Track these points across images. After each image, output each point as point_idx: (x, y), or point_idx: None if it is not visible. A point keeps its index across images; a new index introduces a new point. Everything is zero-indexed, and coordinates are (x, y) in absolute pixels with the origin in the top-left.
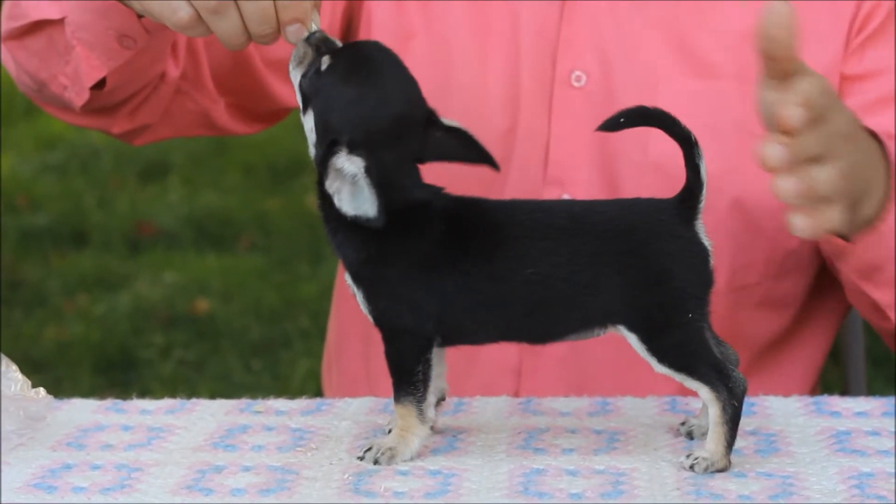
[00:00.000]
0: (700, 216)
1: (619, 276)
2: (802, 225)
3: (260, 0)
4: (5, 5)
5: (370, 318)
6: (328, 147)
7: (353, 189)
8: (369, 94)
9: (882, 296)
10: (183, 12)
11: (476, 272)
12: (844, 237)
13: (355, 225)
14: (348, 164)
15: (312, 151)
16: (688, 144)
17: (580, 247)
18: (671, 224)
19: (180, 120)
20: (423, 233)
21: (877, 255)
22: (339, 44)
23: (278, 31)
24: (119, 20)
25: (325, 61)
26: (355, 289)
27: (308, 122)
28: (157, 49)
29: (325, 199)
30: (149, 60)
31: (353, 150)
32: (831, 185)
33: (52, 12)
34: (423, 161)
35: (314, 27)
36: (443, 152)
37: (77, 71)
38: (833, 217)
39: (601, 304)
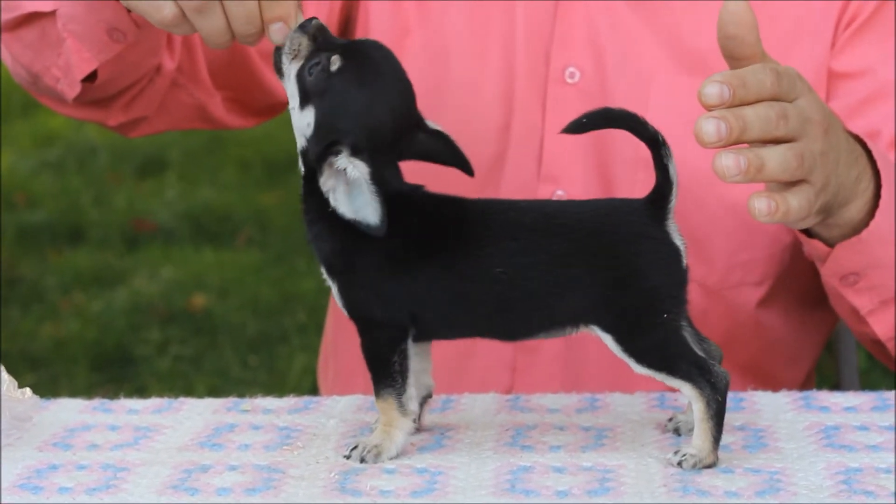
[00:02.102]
0: (671, 216)
1: (588, 276)
2: (759, 207)
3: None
4: None
5: (344, 311)
6: (328, 146)
7: (348, 189)
8: (379, 102)
9: (862, 302)
10: (167, 10)
11: (445, 268)
12: (828, 242)
13: (333, 216)
14: (351, 167)
15: (303, 144)
16: (655, 145)
17: (549, 247)
18: (641, 225)
19: (176, 113)
20: (396, 227)
21: (859, 261)
22: (333, 35)
23: (262, 30)
24: (109, 14)
25: (336, 61)
26: (330, 281)
27: (305, 117)
28: (149, 43)
29: (308, 190)
30: (141, 54)
31: (355, 154)
32: (782, 166)
33: (43, 4)
34: (403, 158)
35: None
36: (422, 152)
37: (69, 63)
38: (792, 203)
39: (570, 305)
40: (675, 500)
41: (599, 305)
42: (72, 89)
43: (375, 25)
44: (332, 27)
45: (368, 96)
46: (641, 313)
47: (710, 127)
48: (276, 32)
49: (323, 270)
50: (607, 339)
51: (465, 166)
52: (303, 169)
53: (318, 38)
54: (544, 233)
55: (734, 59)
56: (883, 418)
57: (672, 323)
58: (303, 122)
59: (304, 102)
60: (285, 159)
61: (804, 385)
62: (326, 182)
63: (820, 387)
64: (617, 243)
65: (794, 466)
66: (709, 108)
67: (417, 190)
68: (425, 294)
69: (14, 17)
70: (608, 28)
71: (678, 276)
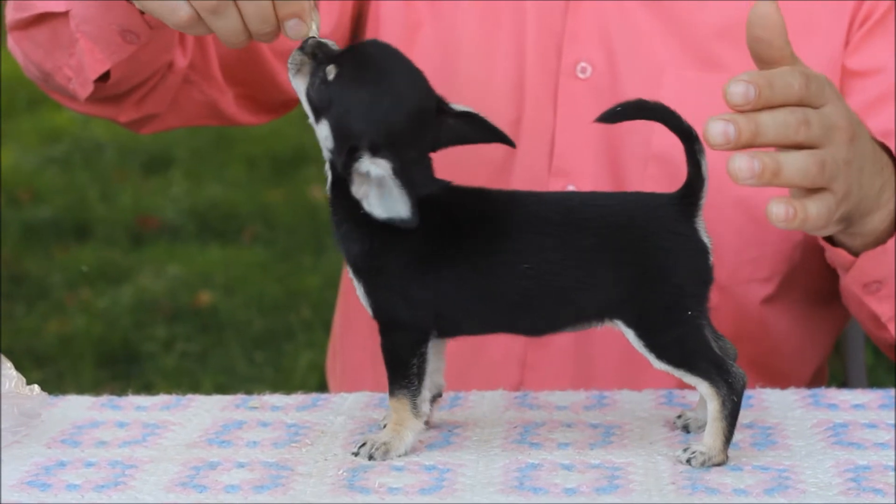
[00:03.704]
0: (701, 212)
1: (615, 271)
2: (776, 212)
3: None
4: None
5: (369, 311)
6: (349, 153)
7: (380, 192)
8: (383, 94)
9: (883, 309)
10: (182, 12)
11: (472, 265)
12: (851, 250)
13: (361, 217)
14: (374, 167)
15: (327, 155)
16: (688, 139)
17: (576, 241)
18: (670, 220)
19: (188, 109)
20: (423, 224)
21: (882, 270)
22: (334, 46)
23: (278, 29)
24: (122, 15)
25: (331, 71)
26: (356, 282)
27: (322, 130)
28: (162, 43)
29: (336, 189)
30: (153, 53)
31: (375, 152)
32: (801, 172)
33: (56, 5)
34: (437, 148)
35: (313, 25)
36: (456, 137)
37: (81, 63)
38: (811, 210)
39: (597, 299)
40: (684, 497)
41: (625, 300)
42: (84, 89)
43: (386, 22)
44: (344, 26)
45: (369, 93)
46: (665, 309)
47: (717, 129)
48: (293, 28)
49: (350, 271)
50: (629, 334)
51: (504, 139)
52: (330, 175)
53: (318, 55)
54: (571, 227)
55: (762, 61)
56: (891, 416)
57: (694, 320)
58: (321, 135)
59: (317, 118)
60: (292, 156)
61: (814, 382)
62: (358, 190)
63: (827, 384)
64: (645, 238)
65: (802, 464)
66: (733, 108)
67: (447, 187)
68: (452, 292)
69: (26, 16)
70: (619, 23)
71: (704, 273)
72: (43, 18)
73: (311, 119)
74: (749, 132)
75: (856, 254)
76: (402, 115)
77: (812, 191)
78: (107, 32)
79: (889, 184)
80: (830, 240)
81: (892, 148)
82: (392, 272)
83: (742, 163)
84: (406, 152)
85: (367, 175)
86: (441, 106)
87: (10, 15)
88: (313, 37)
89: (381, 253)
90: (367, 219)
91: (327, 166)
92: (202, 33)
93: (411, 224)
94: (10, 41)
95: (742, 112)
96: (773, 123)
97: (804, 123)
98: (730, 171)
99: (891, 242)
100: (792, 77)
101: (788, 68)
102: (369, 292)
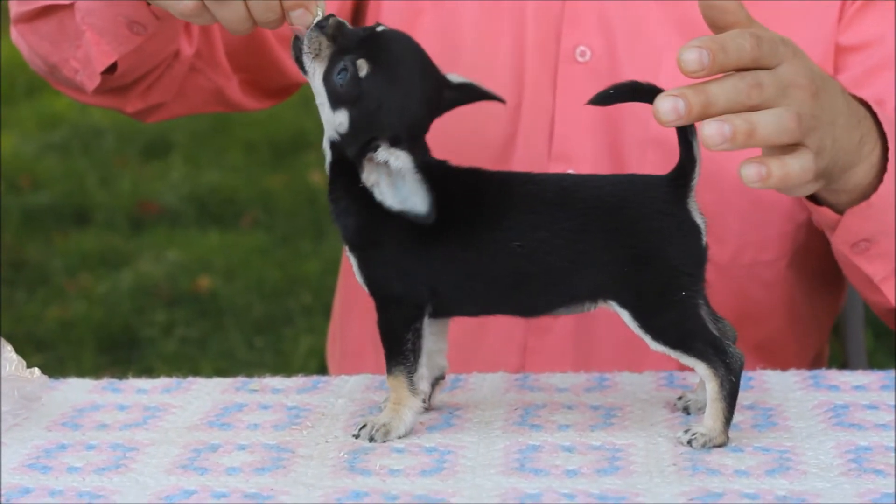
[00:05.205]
0: (693, 194)
1: (607, 252)
2: (749, 173)
3: None
4: None
5: (364, 287)
6: (367, 143)
7: (392, 181)
8: (413, 96)
9: (874, 269)
10: (187, 0)
11: (464, 242)
12: (837, 209)
13: (359, 193)
14: (393, 158)
15: (334, 136)
16: None
17: (568, 221)
18: (662, 201)
19: (194, 97)
20: None
21: (869, 227)
22: (350, 27)
23: (283, 16)
24: (128, 6)
25: (363, 66)
26: (351, 258)
27: (339, 117)
28: (169, 33)
29: (335, 166)
30: (160, 43)
31: (395, 144)
32: (776, 130)
33: None
34: (434, 117)
35: (319, 11)
36: (451, 104)
37: (88, 56)
38: (788, 166)
39: (589, 280)
40: (685, 479)
41: (618, 281)
42: (91, 81)
43: (387, 9)
44: (344, 13)
45: (402, 94)
46: (659, 290)
47: (666, 105)
48: (298, 18)
49: (346, 248)
50: (624, 315)
51: (496, 98)
52: (330, 156)
53: (338, 38)
54: (563, 207)
55: (717, 28)
56: (892, 397)
57: (689, 301)
58: (335, 120)
59: (335, 106)
60: (291, 141)
61: (816, 363)
62: (369, 177)
63: (828, 366)
64: (637, 219)
65: (803, 445)
66: (688, 75)
67: (440, 164)
68: (444, 268)
69: (31, 8)
70: (618, 7)
71: (697, 254)
72: (48, 11)
73: (327, 105)
74: (699, 104)
75: (841, 212)
76: (425, 113)
77: (787, 149)
78: (113, 24)
79: (869, 136)
80: (816, 200)
81: (883, 111)
82: (387, 246)
83: (712, 129)
84: (417, 142)
85: (384, 164)
86: (443, 83)
87: (15, 8)
88: (333, 16)
89: (376, 228)
90: (365, 194)
91: (327, 144)
92: (207, 23)
93: (427, 220)
94: (15, 34)
95: (697, 79)
96: (723, 91)
97: (756, 87)
98: (703, 139)
99: (875, 197)
100: (743, 39)
101: (739, 30)
102: (363, 267)
